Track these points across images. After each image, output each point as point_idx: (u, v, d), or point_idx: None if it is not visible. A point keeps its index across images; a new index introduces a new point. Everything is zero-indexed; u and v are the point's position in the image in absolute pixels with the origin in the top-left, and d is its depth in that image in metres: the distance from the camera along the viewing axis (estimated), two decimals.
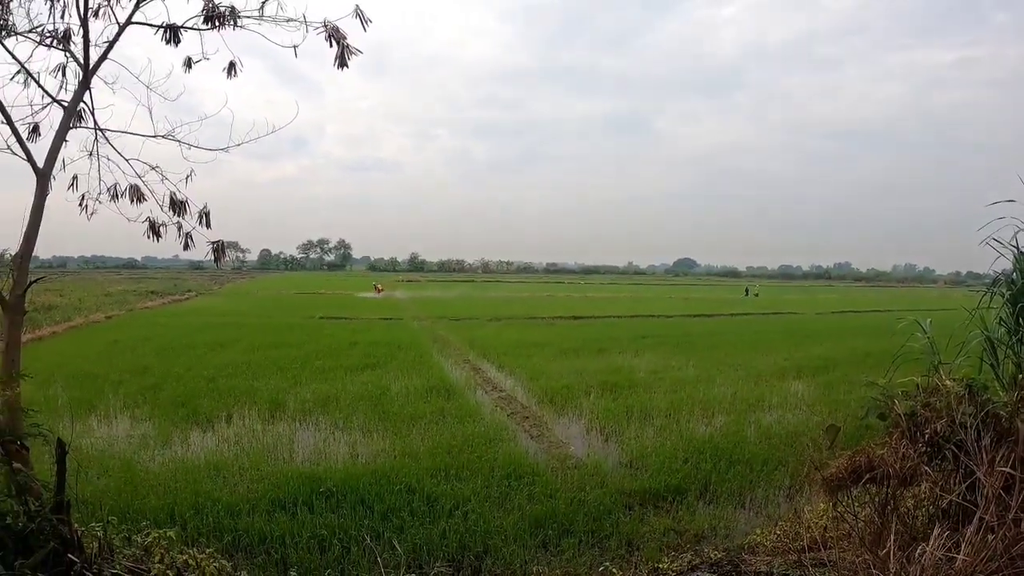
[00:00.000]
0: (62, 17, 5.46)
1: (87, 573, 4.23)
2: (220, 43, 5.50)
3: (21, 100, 5.49)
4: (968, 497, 4.11)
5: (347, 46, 5.40)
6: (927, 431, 4.53)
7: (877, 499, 4.70)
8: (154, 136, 5.56)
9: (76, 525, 4.42)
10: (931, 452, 4.53)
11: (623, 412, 12.05)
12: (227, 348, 20.04)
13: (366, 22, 5.34)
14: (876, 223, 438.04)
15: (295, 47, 5.42)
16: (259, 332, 24.61)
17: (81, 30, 5.30)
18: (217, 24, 5.38)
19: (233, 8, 5.37)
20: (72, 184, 5.66)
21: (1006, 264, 6.39)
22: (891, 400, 4.87)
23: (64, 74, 5.62)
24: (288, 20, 5.33)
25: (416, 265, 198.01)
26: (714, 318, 38.13)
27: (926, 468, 4.49)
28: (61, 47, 5.51)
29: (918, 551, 3.73)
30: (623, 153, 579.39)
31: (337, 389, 13.65)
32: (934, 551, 3.65)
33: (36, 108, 5.58)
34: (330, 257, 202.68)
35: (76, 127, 5.52)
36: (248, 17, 5.40)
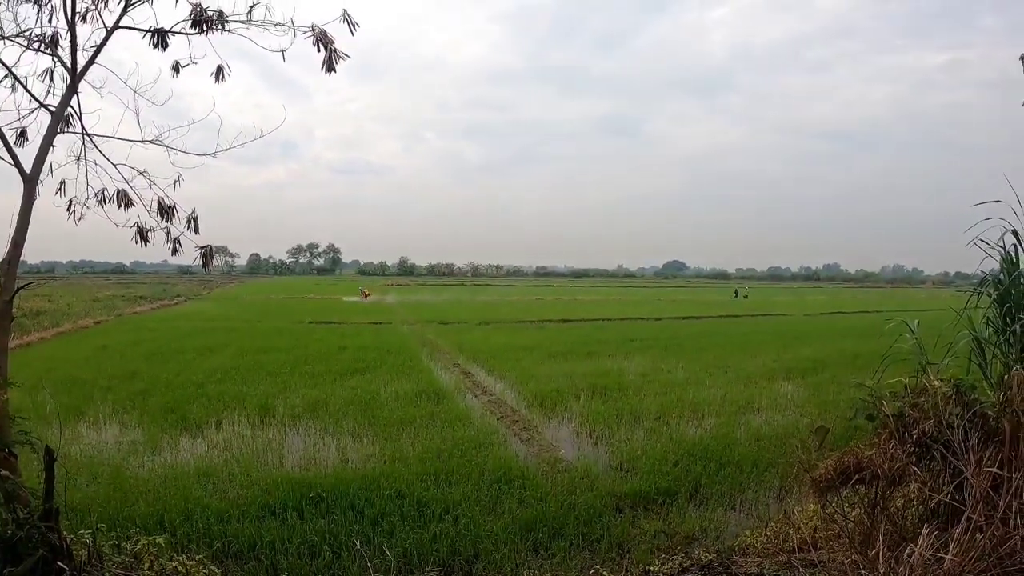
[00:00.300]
0: (50, 21, 5.45)
1: None
2: (208, 47, 5.49)
3: (8, 105, 5.47)
4: (956, 497, 4.13)
5: (335, 50, 5.40)
6: (915, 432, 4.55)
7: (866, 500, 4.72)
8: (142, 141, 5.54)
9: (65, 533, 4.42)
10: (919, 452, 4.55)
11: (613, 415, 12.07)
12: (216, 353, 19.96)
13: (354, 26, 5.34)
14: (865, 224, 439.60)
15: (283, 51, 5.41)
16: (248, 337, 24.54)
17: (69, 34, 5.28)
18: (205, 28, 5.37)
19: (221, 12, 5.36)
20: (60, 189, 5.64)
21: (993, 264, 6.42)
22: (879, 401, 4.89)
23: (51, 79, 5.61)
24: (276, 24, 5.32)
25: (405, 269, 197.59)
26: (703, 320, 38.23)
27: (915, 468, 4.52)
28: (49, 51, 5.50)
29: (907, 551, 3.75)
30: (613, 155, 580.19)
31: (327, 394, 13.62)
32: (923, 551, 3.67)
33: (23, 113, 5.56)
34: (319, 261, 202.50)
35: (64, 132, 5.51)
36: (236, 21, 5.39)
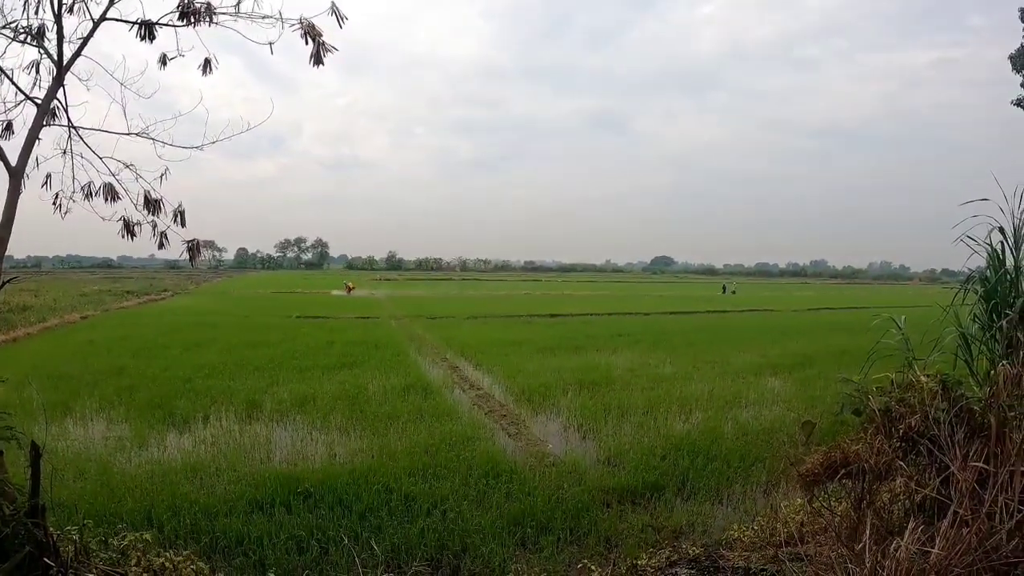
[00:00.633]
0: (36, 13, 5.38)
1: None
2: (196, 40, 5.45)
3: None
4: (942, 491, 4.16)
5: (323, 43, 5.36)
6: (902, 426, 4.58)
7: (853, 494, 4.75)
8: (128, 134, 5.49)
9: (52, 529, 4.39)
10: (906, 447, 4.58)
11: (601, 410, 12.09)
12: (203, 348, 19.87)
13: (342, 19, 5.31)
14: (853, 221, 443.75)
15: (271, 44, 5.37)
16: (236, 332, 24.47)
17: (55, 26, 5.24)
18: (192, 21, 5.32)
19: (208, 4, 5.31)
20: (46, 182, 5.58)
21: (980, 262, 6.46)
22: (866, 396, 4.92)
23: (37, 71, 5.55)
24: (264, 17, 5.28)
25: (394, 264, 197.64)
26: (691, 315, 38.36)
27: (901, 463, 4.54)
28: (35, 43, 5.44)
29: (893, 545, 3.77)
30: (602, 151, 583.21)
31: (314, 389, 13.59)
32: (909, 545, 3.69)
33: (9, 105, 5.50)
34: (307, 256, 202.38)
35: (49, 125, 5.45)
36: (224, 14, 5.35)
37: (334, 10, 5.27)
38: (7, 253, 4.96)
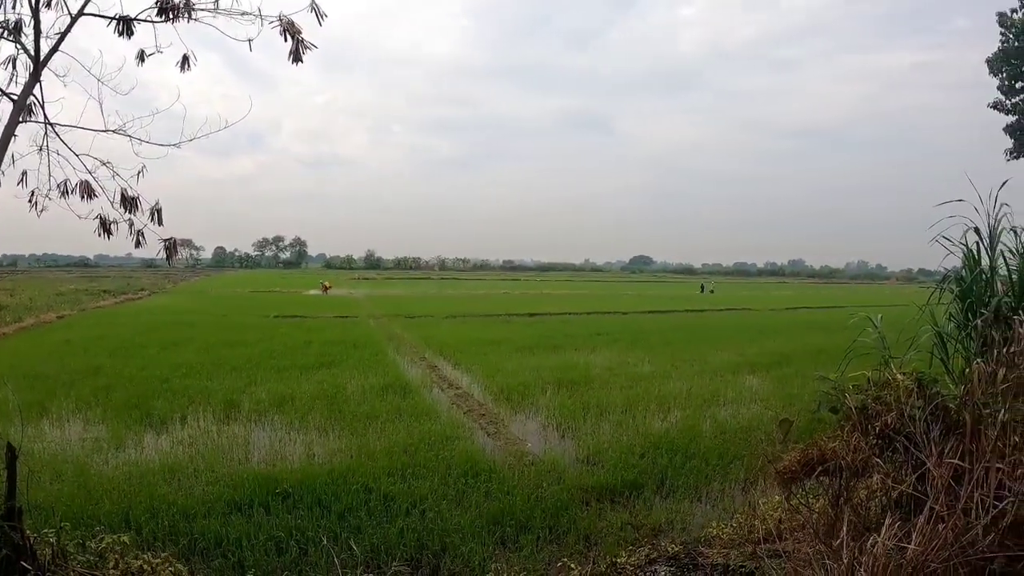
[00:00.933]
0: (13, 7, 5.34)
1: None
2: (174, 36, 5.42)
3: None
4: (919, 488, 4.20)
5: (302, 40, 5.35)
6: (878, 424, 4.62)
7: (830, 491, 4.79)
8: (105, 131, 5.44)
9: (28, 532, 4.36)
10: (882, 444, 4.62)
11: (580, 408, 12.12)
12: (181, 348, 19.73)
13: (322, 16, 5.30)
14: (831, 222, 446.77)
15: (250, 41, 5.34)
16: (213, 331, 24.30)
17: (32, 21, 5.20)
18: (171, 16, 5.29)
19: (187, 0, 5.29)
20: (22, 180, 5.54)
21: (955, 261, 6.56)
22: (843, 394, 4.96)
23: (14, 66, 5.49)
24: (243, 13, 5.26)
25: (372, 263, 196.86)
26: (670, 314, 38.52)
27: (878, 460, 4.58)
28: (11, 38, 5.39)
29: (870, 541, 3.80)
30: (582, 151, 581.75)
31: (292, 389, 13.52)
32: (886, 541, 3.72)
33: None
34: (285, 255, 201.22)
35: (26, 121, 5.40)
36: (202, 10, 5.32)
37: (314, 7, 5.27)
38: None
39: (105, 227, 5.45)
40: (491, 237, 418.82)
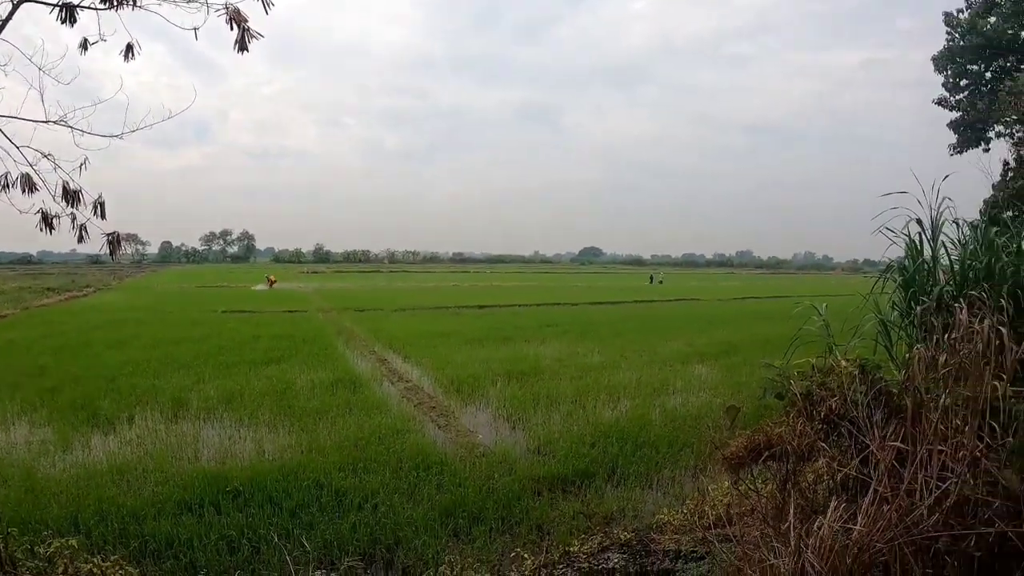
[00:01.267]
0: None
1: None
2: (119, 23, 5.28)
3: None
4: (863, 471, 4.27)
5: (248, 29, 5.25)
6: (822, 409, 4.69)
7: (778, 476, 4.85)
8: (46, 121, 5.29)
9: None
10: (827, 429, 4.69)
11: (530, 399, 12.16)
12: (127, 346, 19.31)
13: (269, 4, 5.22)
14: (779, 214, 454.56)
15: (195, 29, 5.24)
16: (160, 328, 23.83)
17: None
18: (115, 3, 5.16)
19: None
20: None
21: (899, 252, 6.71)
22: (788, 381, 5.03)
23: None
24: (188, 1, 5.16)
25: (321, 256, 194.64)
26: (619, 305, 38.82)
27: (823, 444, 4.66)
28: None
29: (816, 523, 3.87)
30: (532, 143, 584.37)
31: (241, 385, 13.34)
32: (832, 523, 3.79)
33: None
34: (233, 249, 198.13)
35: None
36: None
37: None
38: None
39: (47, 221, 5.30)
40: (441, 230, 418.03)
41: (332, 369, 15.29)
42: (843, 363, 4.91)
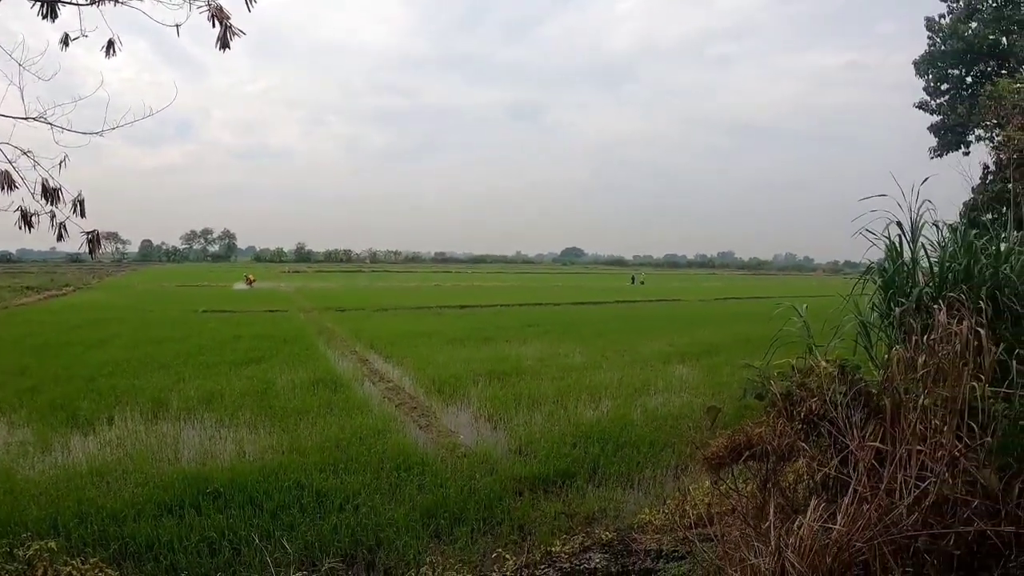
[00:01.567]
0: None
1: None
2: (100, 19, 5.24)
3: None
4: (843, 471, 4.30)
5: (230, 26, 5.22)
6: (802, 409, 4.72)
7: (758, 476, 4.88)
8: (25, 118, 5.23)
9: None
10: (807, 429, 4.73)
11: (511, 399, 12.15)
12: (107, 345, 19.17)
13: (251, 2, 5.20)
14: (760, 215, 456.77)
15: (177, 26, 5.21)
16: (140, 328, 23.67)
17: None
18: None
19: None
20: None
21: (879, 254, 6.75)
22: (768, 381, 5.06)
23: None
24: None
25: (303, 255, 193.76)
26: (601, 305, 38.93)
27: (803, 444, 4.69)
28: None
29: (797, 523, 3.90)
30: (518, 143, 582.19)
31: (221, 385, 13.24)
32: (812, 522, 3.82)
33: None
34: (214, 248, 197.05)
35: None
36: None
37: None
38: None
39: (26, 220, 5.24)
40: (423, 230, 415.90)
41: (313, 369, 15.21)
42: (823, 364, 4.94)
